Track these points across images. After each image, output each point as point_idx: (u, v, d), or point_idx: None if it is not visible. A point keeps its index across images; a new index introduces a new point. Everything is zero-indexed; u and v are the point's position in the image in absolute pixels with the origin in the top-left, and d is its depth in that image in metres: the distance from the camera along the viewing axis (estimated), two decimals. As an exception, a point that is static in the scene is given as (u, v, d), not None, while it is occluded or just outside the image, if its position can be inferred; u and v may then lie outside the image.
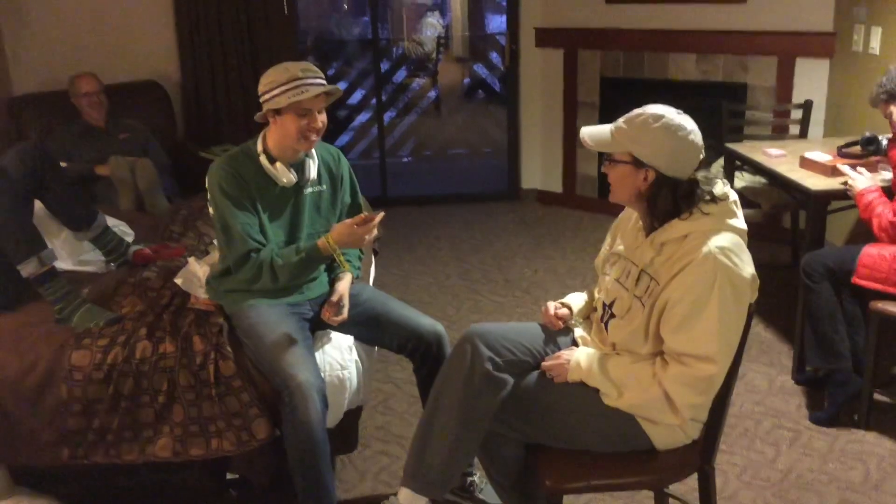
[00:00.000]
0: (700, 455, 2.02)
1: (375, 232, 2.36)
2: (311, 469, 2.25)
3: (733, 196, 1.96)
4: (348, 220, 2.36)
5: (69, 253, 3.05)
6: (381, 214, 2.38)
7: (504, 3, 5.96)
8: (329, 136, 2.54)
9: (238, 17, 4.98)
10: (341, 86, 6.83)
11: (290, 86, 2.31)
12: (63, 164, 3.39)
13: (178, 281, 2.67)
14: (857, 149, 3.31)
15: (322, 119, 2.39)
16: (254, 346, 2.38)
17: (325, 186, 2.57)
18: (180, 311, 2.58)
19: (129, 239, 3.22)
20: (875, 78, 2.97)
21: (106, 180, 3.90)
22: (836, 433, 2.90)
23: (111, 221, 3.18)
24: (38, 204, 2.85)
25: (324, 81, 2.38)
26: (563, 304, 2.25)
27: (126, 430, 2.40)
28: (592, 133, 1.99)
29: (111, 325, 2.52)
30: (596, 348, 2.09)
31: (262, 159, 2.43)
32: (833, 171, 3.11)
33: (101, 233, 3.02)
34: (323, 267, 2.60)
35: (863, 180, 2.95)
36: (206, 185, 2.44)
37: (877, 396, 2.93)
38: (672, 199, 1.91)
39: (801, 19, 4.51)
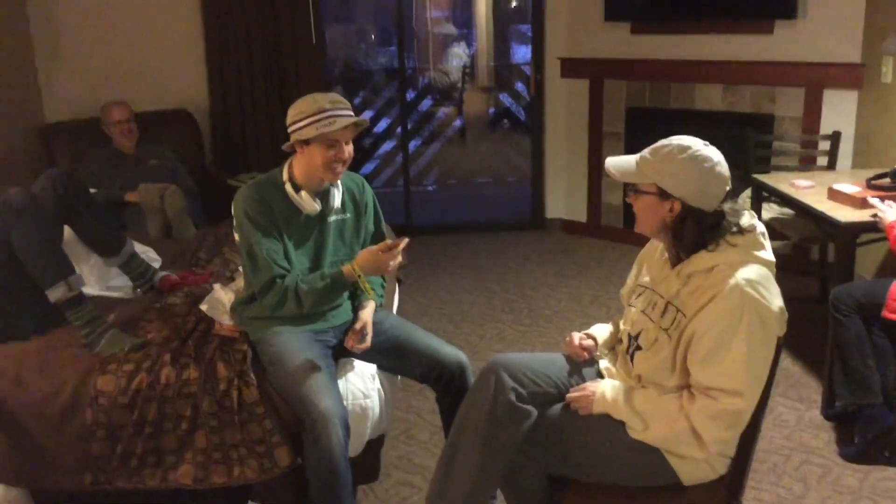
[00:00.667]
0: (727, 491, 1.99)
1: (400, 259, 2.37)
2: (333, 498, 2.24)
3: (760, 228, 1.94)
4: (373, 247, 2.37)
5: (97, 278, 3.09)
6: (406, 241, 2.39)
7: (529, 34, 5.99)
8: (354, 163, 2.56)
9: (267, 47, 5.06)
10: (367, 114, 6.89)
11: (318, 117, 2.33)
12: (93, 191, 3.44)
13: (203, 307, 2.69)
14: (886, 181, 3.27)
15: (349, 150, 2.42)
16: (277, 372, 2.39)
17: (349, 214, 2.58)
18: (205, 338, 2.59)
19: (157, 265, 3.25)
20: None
21: (135, 207, 3.95)
22: (867, 470, 2.83)
23: (139, 247, 3.21)
24: (67, 229, 2.89)
25: (351, 113, 2.40)
26: (588, 335, 2.23)
27: (149, 456, 2.41)
28: (618, 164, 1.99)
29: (136, 350, 2.54)
30: (621, 380, 2.07)
31: (288, 187, 2.45)
32: (862, 204, 3.08)
33: (128, 259, 3.05)
34: (347, 294, 2.60)
35: (893, 213, 2.91)
36: (232, 212, 2.47)
37: (909, 433, 2.86)
38: (697, 230, 1.90)
39: (828, 50, 4.49)
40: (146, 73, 4.99)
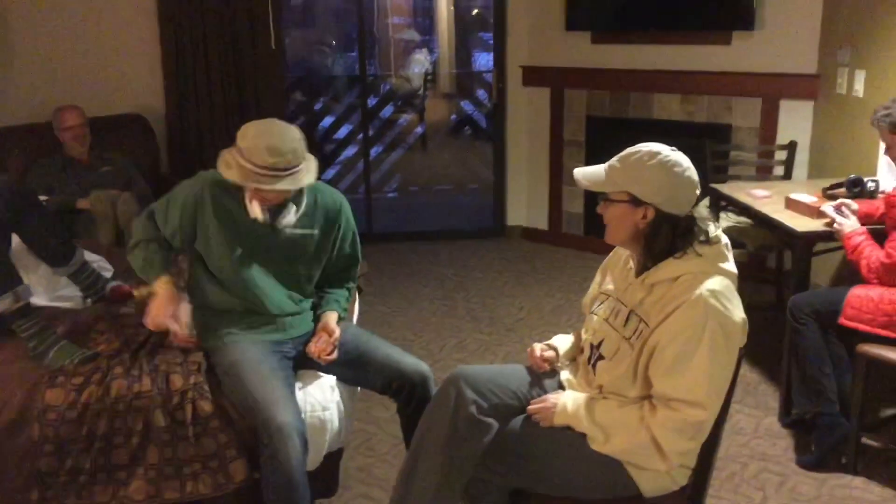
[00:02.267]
0: (688, 502, 1.98)
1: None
2: (290, 513, 2.19)
3: (725, 239, 1.95)
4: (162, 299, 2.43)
5: (46, 288, 2.99)
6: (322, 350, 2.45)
7: (491, 42, 6.00)
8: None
9: (224, 51, 4.99)
10: (328, 120, 6.83)
11: (262, 173, 2.25)
12: (44, 199, 3.35)
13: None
14: (842, 191, 3.32)
15: (275, 199, 2.37)
16: (233, 384, 2.33)
17: (316, 231, 2.52)
18: (158, 349, 2.52)
19: (108, 274, 3.16)
20: (860, 120, 2.99)
21: (87, 214, 3.86)
22: (824, 477, 2.86)
23: (90, 257, 3.13)
24: (15, 238, 2.80)
25: (296, 169, 2.31)
26: (550, 346, 2.21)
27: (99, 472, 2.33)
28: (587, 174, 1.98)
29: (86, 362, 2.46)
30: (582, 391, 2.06)
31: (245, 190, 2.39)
32: (819, 213, 3.11)
33: (79, 268, 2.97)
34: (308, 304, 2.56)
35: (849, 223, 2.95)
36: (182, 182, 2.47)
37: (864, 440, 2.89)
38: (672, 236, 1.90)
39: (785, 61, 4.56)
40: (100, 76, 4.89)
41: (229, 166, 2.30)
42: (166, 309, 2.40)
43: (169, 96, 5.01)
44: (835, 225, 2.98)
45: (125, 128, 4.74)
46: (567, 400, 2.00)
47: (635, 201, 1.89)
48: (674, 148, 1.92)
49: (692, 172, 1.89)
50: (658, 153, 1.88)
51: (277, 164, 2.25)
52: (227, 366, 2.36)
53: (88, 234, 3.79)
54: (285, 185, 2.29)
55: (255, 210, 2.37)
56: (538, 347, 2.19)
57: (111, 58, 4.91)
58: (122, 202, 3.81)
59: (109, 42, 4.90)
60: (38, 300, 2.86)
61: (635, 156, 1.90)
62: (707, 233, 1.91)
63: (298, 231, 2.48)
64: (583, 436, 1.96)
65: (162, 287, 2.42)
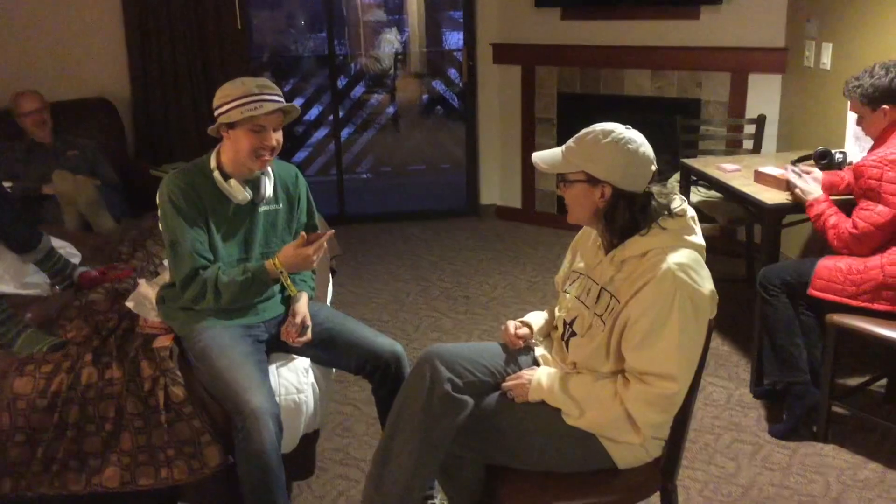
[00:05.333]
0: (662, 473, 2.01)
1: (323, 252, 2.32)
2: (266, 497, 2.18)
3: (691, 212, 1.95)
4: (294, 242, 2.32)
5: (12, 276, 2.94)
6: (331, 232, 2.34)
7: (461, 20, 5.96)
8: (286, 152, 2.50)
9: (190, 33, 4.91)
10: (297, 102, 6.76)
11: (245, 100, 2.26)
12: (8, 185, 3.29)
13: (129, 304, 2.59)
14: (810, 163, 3.34)
15: (277, 138, 2.34)
16: (206, 370, 2.31)
17: (281, 205, 2.51)
18: (128, 336, 2.50)
19: (76, 261, 3.12)
20: (827, 92, 3.01)
21: (53, 200, 3.80)
22: (796, 446, 2.91)
23: (57, 243, 3.08)
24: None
25: (281, 98, 2.33)
26: (524, 323, 2.22)
27: (72, 460, 2.31)
28: (544, 157, 2.00)
29: (55, 350, 2.43)
30: (557, 367, 2.07)
31: (216, 175, 2.37)
32: (787, 185, 3.14)
33: (45, 255, 2.93)
34: (278, 287, 2.54)
35: (810, 190, 2.97)
36: (157, 200, 2.37)
37: (834, 409, 2.94)
38: (629, 213, 1.90)
39: (753, 35, 4.57)
40: (62, 60, 4.80)
41: (228, 121, 2.28)
42: (297, 250, 2.31)
43: (134, 79, 4.93)
44: (797, 191, 3.00)
45: (90, 112, 4.66)
46: (541, 376, 2.01)
47: (592, 180, 1.90)
48: (628, 126, 1.93)
49: (647, 149, 1.90)
50: (612, 131, 1.89)
51: (264, 88, 2.29)
52: (199, 351, 2.34)
53: (55, 221, 3.73)
54: (282, 105, 2.31)
55: (238, 191, 2.36)
56: (512, 325, 2.20)
57: (73, 40, 4.82)
58: (80, 184, 3.75)
59: (71, 24, 4.81)
60: (5, 288, 2.83)
61: (590, 135, 1.91)
62: (669, 207, 1.91)
63: (272, 207, 2.48)
64: (557, 411, 1.97)
65: (279, 263, 2.32)
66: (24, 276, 2.99)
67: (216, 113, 2.31)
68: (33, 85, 4.20)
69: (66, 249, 3.17)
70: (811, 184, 3.02)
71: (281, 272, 2.32)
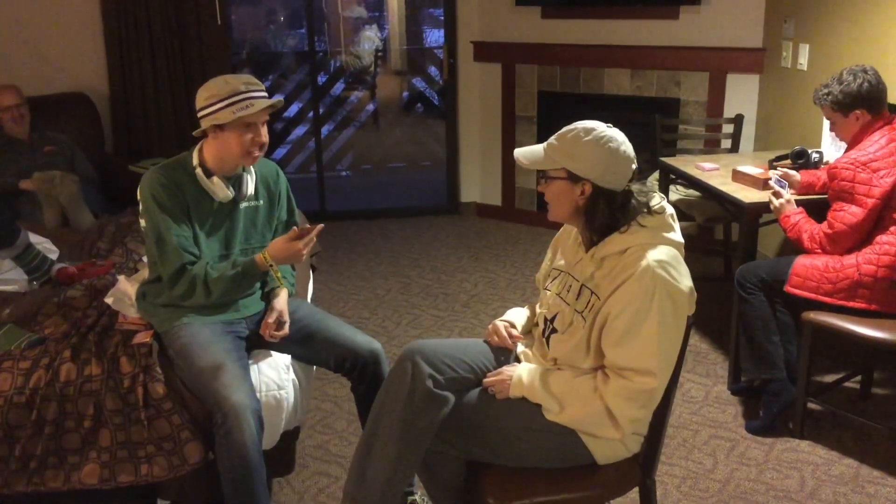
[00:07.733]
0: (641, 468, 2.02)
1: (313, 245, 2.32)
2: (247, 493, 2.18)
3: (670, 210, 1.97)
4: (284, 236, 2.32)
5: (-11, 272, 2.92)
6: (320, 227, 2.34)
7: (442, 17, 5.96)
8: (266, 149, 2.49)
9: (169, 28, 4.87)
10: (277, 98, 6.74)
11: (234, 100, 2.25)
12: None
13: (108, 301, 2.57)
14: (787, 162, 3.39)
15: (265, 133, 2.35)
16: (186, 366, 2.30)
17: (261, 202, 2.51)
18: (107, 332, 2.48)
19: (54, 256, 3.10)
20: (804, 92, 3.04)
21: (30, 195, 3.76)
22: (772, 442, 2.95)
23: (35, 239, 3.06)
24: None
25: (266, 94, 2.34)
26: (511, 324, 2.21)
27: (50, 457, 2.29)
28: (526, 153, 2.00)
29: (33, 346, 2.41)
30: (537, 363, 2.08)
31: (199, 173, 2.36)
32: (765, 185, 3.18)
33: (23, 250, 2.90)
34: (258, 284, 2.53)
35: (786, 203, 3.00)
36: (139, 196, 2.36)
37: (810, 405, 2.98)
38: (609, 210, 1.92)
39: (731, 36, 4.62)
40: (40, 54, 4.75)
41: (218, 122, 2.26)
42: (287, 244, 2.31)
43: (112, 74, 4.89)
44: (776, 203, 3.03)
45: (67, 107, 4.62)
46: (522, 372, 2.02)
47: (573, 177, 1.91)
48: (609, 125, 1.94)
49: (627, 148, 1.92)
50: (593, 129, 1.90)
51: (250, 85, 2.29)
52: (179, 348, 2.33)
53: (32, 217, 3.69)
54: (270, 102, 2.31)
55: (221, 188, 2.36)
56: (502, 326, 2.19)
57: (51, 34, 4.77)
58: (60, 180, 3.72)
59: (48, 18, 4.75)
60: (-19, 284, 2.79)
61: (571, 133, 1.92)
62: (648, 205, 1.93)
63: (253, 203, 2.48)
64: (538, 406, 1.98)
65: (268, 257, 2.32)
66: (1, 272, 2.96)
67: (201, 114, 2.30)
68: (10, 80, 4.16)
69: (44, 245, 3.15)
70: (793, 202, 3.04)
71: (271, 265, 2.32)
